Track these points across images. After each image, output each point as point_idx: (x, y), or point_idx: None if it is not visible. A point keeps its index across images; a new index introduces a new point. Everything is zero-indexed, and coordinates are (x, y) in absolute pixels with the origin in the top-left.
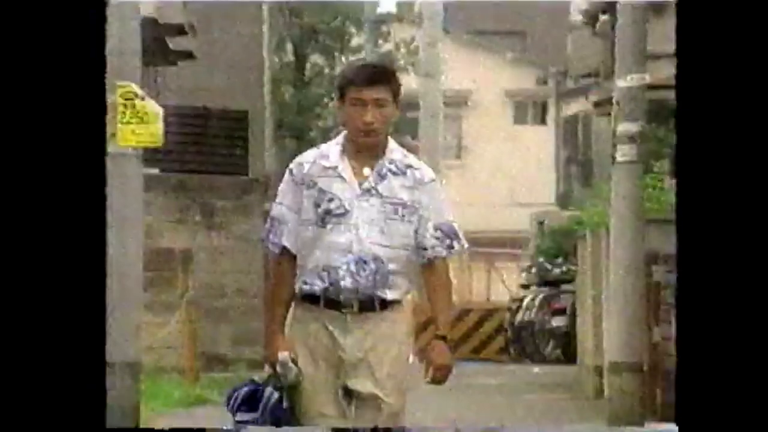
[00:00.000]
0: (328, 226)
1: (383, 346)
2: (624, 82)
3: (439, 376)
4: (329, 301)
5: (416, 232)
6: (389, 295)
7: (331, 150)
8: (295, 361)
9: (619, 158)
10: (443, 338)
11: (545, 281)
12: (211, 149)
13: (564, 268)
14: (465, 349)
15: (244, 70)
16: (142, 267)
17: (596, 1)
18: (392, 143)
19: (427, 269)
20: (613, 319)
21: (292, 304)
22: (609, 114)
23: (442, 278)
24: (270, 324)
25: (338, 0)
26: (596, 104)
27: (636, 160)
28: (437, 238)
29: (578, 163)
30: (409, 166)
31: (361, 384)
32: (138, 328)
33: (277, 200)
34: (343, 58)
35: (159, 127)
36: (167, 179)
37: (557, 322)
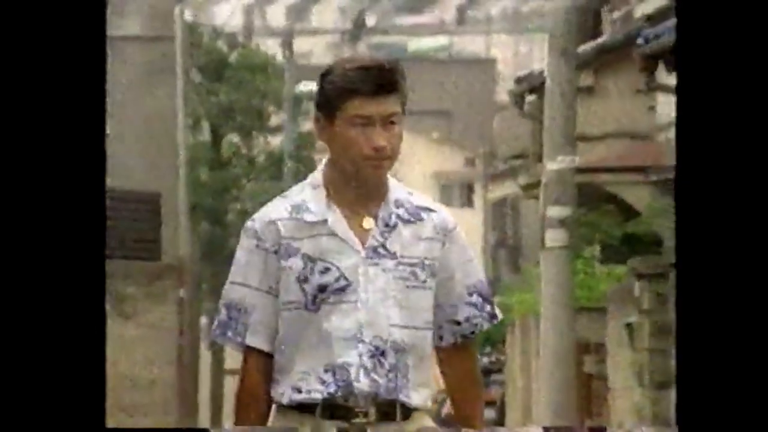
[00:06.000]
0: (325, 308)
1: None
2: (553, 164)
3: None
4: (335, 408)
5: (442, 301)
6: (415, 398)
7: (309, 197)
8: None
9: (548, 243)
10: None
11: None
12: (121, 233)
13: (493, 358)
14: None
15: (157, 150)
16: None
17: (523, 80)
18: (391, 179)
19: (457, 352)
20: (543, 411)
21: (272, 413)
22: (538, 197)
23: (474, 364)
24: None
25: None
26: (525, 187)
27: (565, 245)
28: (474, 305)
29: (507, 248)
30: (424, 209)
31: None
32: None
33: (233, 278)
34: (261, 139)
35: None
36: None
37: (486, 414)
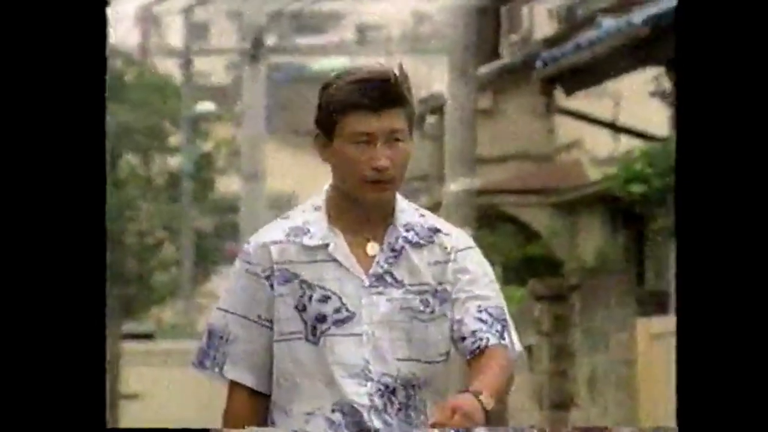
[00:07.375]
0: (326, 340)
1: None
2: (453, 186)
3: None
4: None
5: (453, 325)
6: None
7: (311, 219)
8: None
9: None
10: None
11: None
12: None
13: None
14: None
15: None
16: None
17: (423, 101)
18: (401, 200)
19: (475, 359)
20: None
21: None
22: None
23: (499, 362)
24: None
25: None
26: (426, 208)
27: None
28: (483, 321)
29: None
30: (435, 230)
31: None
32: None
33: (219, 303)
34: (159, 159)
35: None
36: None
37: None
